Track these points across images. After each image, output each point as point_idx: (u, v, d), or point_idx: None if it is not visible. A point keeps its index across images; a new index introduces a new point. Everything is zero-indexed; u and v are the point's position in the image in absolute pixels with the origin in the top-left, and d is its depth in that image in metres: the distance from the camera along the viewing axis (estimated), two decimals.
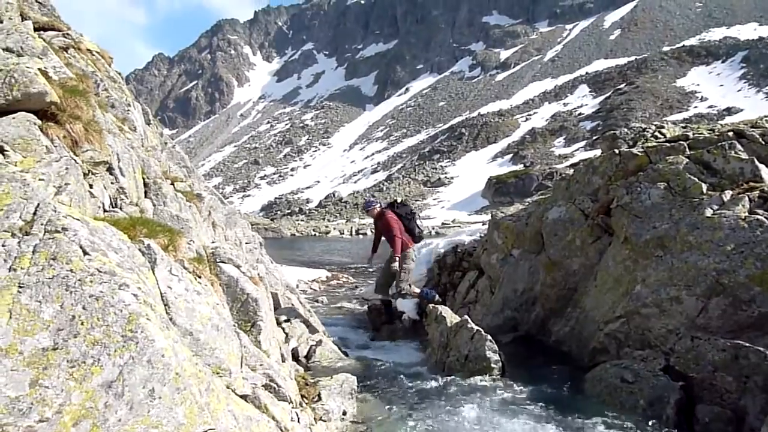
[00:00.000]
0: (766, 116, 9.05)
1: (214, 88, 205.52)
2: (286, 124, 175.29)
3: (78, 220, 2.72)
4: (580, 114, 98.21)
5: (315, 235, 64.55)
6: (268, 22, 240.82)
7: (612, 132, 11.05)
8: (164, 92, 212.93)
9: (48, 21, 7.64)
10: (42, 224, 2.61)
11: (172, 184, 6.45)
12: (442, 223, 67.07)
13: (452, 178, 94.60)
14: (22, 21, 6.85)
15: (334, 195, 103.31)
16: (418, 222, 8.63)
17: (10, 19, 6.51)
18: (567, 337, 7.20)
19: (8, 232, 2.57)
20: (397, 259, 8.10)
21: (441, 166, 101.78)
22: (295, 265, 21.02)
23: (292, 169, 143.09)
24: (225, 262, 4.07)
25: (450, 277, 11.47)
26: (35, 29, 6.92)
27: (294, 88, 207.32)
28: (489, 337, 6.32)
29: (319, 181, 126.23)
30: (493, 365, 6.11)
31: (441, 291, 11.69)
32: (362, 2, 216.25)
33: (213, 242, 4.89)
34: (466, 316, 6.83)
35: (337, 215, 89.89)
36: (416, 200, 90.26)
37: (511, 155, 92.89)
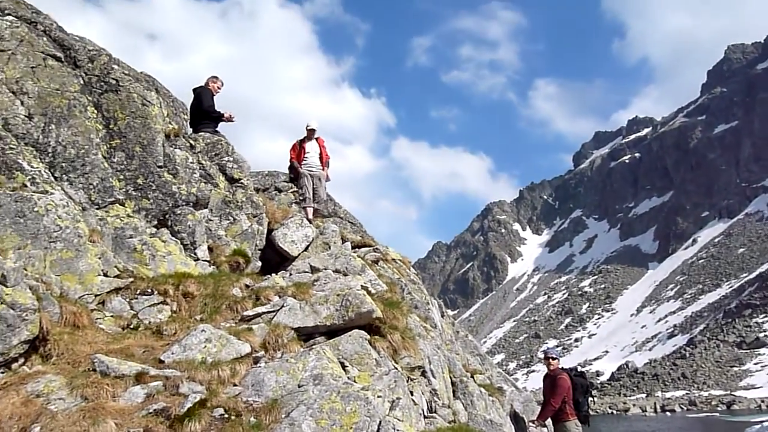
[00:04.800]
0: None
1: (489, 267, 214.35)
2: (563, 294, 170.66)
3: None
4: None
5: (612, 413, 58.26)
6: (533, 198, 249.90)
7: None
8: (444, 276, 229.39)
9: (360, 239, 9.10)
10: None
11: (473, 376, 6.62)
12: None
13: None
14: (343, 243, 8.30)
15: (627, 366, 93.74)
16: (589, 400, 7.97)
17: (335, 243, 7.91)
18: None
19: None
20: (536, 425, 7.47)
21: (756, 322, 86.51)
22: None
23: (576, 340, 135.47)
24: None
25: None
26: (352, 248, 8.29)
27: (567, 257, 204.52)
28: None
29: (608, 351, 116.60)
30: None
31: None
32: (627, 161, 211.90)
33: None
34: None
35: (635, 389, 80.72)
36: (732, 366, 76.36)
37: None
